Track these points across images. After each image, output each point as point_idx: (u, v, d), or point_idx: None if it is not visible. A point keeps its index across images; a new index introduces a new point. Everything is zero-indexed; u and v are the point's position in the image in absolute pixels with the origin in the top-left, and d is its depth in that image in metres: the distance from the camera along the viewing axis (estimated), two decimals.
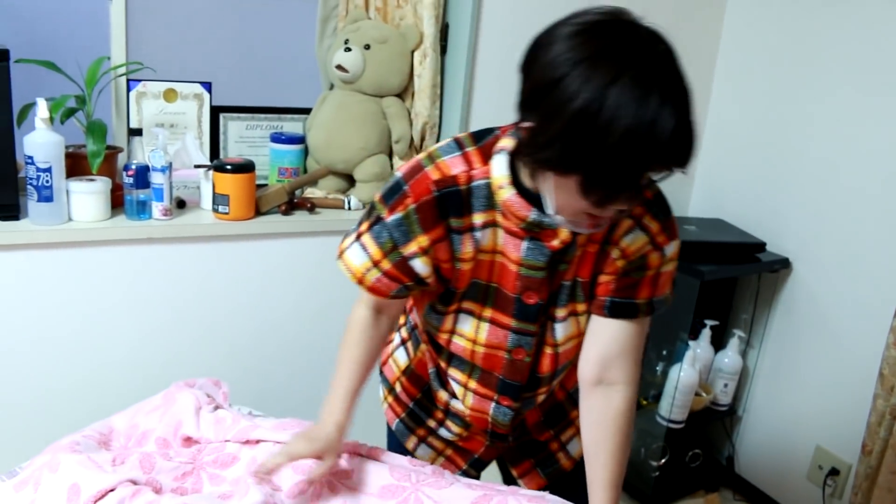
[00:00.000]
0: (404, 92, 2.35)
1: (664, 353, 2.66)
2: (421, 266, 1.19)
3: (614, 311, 1.24)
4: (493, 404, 1.35)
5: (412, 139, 2.35)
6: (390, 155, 2.36)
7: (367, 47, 2.24)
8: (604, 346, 1.26)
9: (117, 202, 2.04)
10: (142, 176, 1.98)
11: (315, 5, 2.37)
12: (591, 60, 0.94)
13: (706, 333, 2.62)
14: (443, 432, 1.46)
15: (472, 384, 1.35)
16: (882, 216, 2.26)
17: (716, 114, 2.76)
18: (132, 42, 2.13)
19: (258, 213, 2.15)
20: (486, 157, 1.17)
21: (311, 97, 2.41)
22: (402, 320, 1.49)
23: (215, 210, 2.09)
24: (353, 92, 2.29)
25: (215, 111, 2.28)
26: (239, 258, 2.15)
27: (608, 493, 1.27)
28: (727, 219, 2.72)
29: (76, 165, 1.98)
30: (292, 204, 2.20)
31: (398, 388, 1.49)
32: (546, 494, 1.28)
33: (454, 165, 1.17)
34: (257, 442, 1.35)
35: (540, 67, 0.99)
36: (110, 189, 1.99)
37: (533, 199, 1.14)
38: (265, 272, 2.19)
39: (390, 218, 1.17)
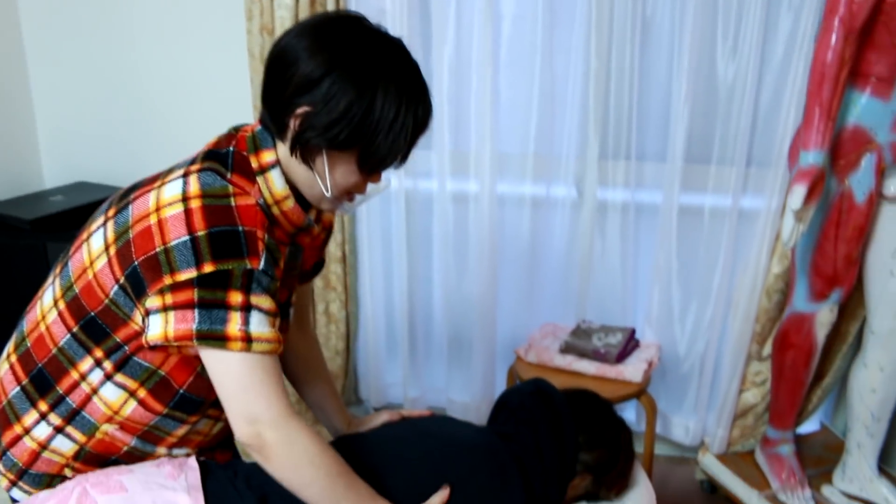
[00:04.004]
0: None
1: None
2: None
3: (316, 271, 1.41)
4: None
5: None
6: None
7: None
8: (300, 304, 1.42)
9: None
10: None
11: None
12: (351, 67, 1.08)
13: None
14: None
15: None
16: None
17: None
18: None
19: None
20: (250, 177, 1.14)
21: None
22: (36, 414, 1.20)
23: None
24: None
25: None
26: None
27: (338, 400, 1.52)
28: (89, 179, 2.61)
29: None
30: None
31: (68, 472, 1.24)
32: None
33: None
34: None
35: (306, 59, 1.09)
36: None
37: (304, 205, 1.20)
38: None
39: (261, 263, 1.08)
